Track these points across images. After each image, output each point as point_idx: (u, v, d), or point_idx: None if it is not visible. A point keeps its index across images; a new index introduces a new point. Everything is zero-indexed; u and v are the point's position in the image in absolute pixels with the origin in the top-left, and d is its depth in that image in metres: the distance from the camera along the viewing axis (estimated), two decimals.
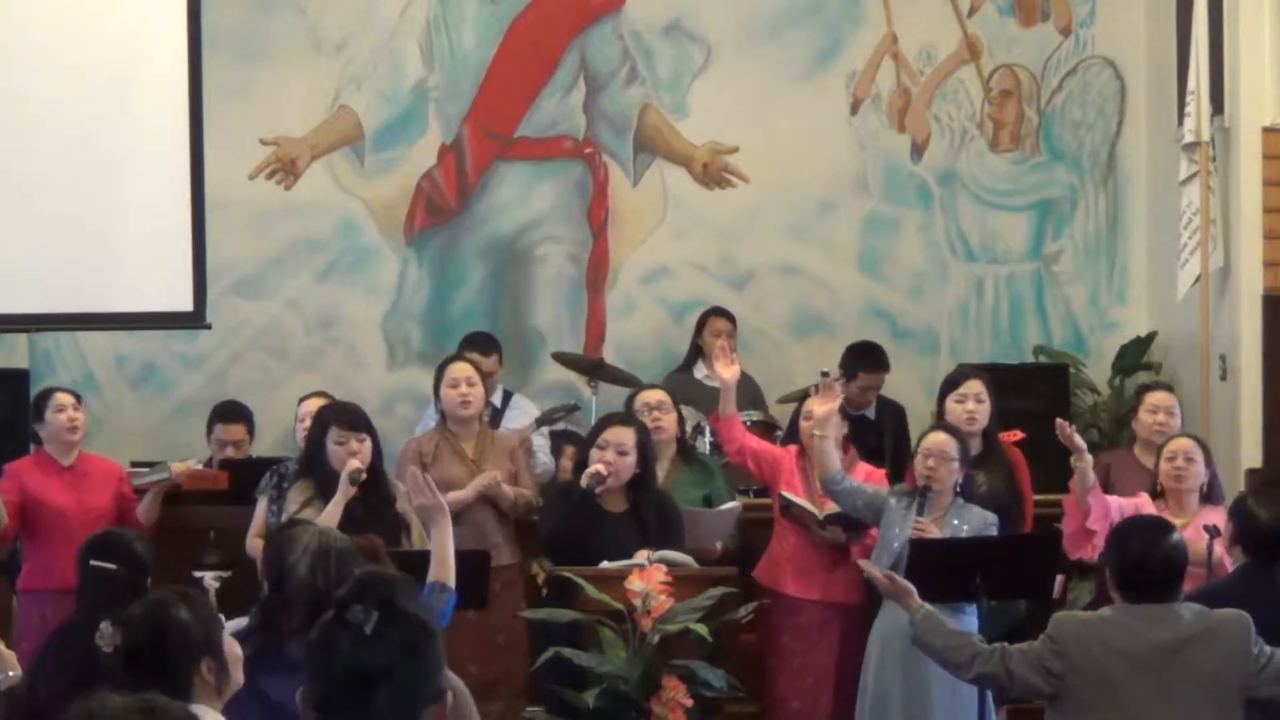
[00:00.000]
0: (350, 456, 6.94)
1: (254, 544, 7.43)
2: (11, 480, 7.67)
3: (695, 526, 7.34)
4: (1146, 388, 8.29)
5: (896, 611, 6.83)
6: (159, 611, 3.92)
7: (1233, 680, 5.08)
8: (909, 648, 6.76)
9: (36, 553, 7.48)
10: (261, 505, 7.49)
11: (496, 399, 8.88)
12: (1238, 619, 5.14)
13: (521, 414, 8.85)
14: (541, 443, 8.65)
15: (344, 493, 6.86)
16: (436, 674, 3.06)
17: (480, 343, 9.02)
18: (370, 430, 7.11)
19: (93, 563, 5.36)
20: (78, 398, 7.93)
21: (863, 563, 6.26)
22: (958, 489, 7.01)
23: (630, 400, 7.94)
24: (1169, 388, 8.37)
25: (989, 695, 6.85)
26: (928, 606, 5.47)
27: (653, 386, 8.22)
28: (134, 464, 8.15)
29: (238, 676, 3.96)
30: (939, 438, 7.05)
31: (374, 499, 6.98)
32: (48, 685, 5.22)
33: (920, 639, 5.42)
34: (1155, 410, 7.76)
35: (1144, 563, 5.11)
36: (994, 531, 7.01)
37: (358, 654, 2.99)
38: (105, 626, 3.92)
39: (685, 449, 7.86)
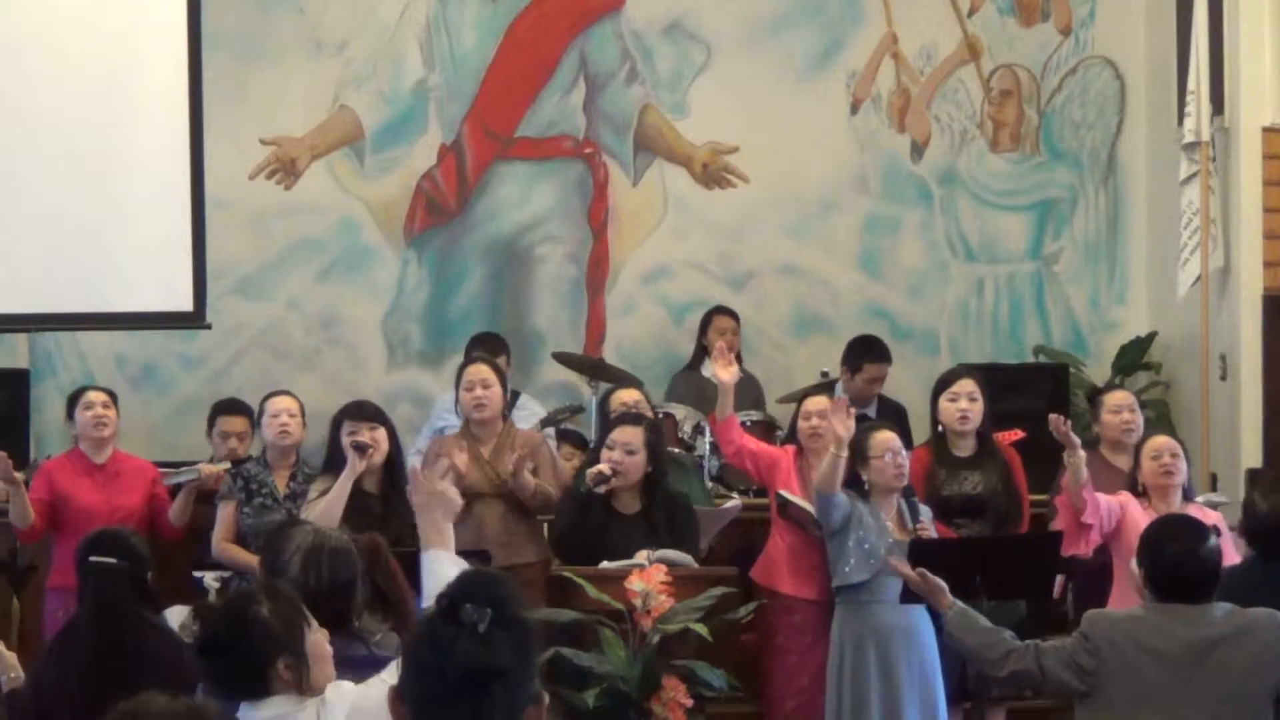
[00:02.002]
0: None
1: (221, 547, 7.43)
2: (43, 478, 7.71)
3: None
4: (1100, 391, 8.29)
5: (864, 611, 6.86)
6: (240, 605, 3.90)
7: (1264, 679, 5.06)
8: (879, 647, 6.79)
9: (64, 550, 7.46)
10: (229, 509, 7.48)
11: None
12: (1269, 618, 5.12)
13: (528, 414, 8.82)
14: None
15: (351, 468, 6.87)
16: (537, 675, 3.03)
17: (488, 343, 9.02)
18: (384, 421, 7.13)
19: (92, 559, 5.35)
20: (112, 396, 7.93)
21: (894, 560, 6.23)
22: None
23: (605, 400, 7.94)
24: (1123, 386, 8.37)
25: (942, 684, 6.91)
26: (960, 603, 5.47)
27: (629, 386, 8.19)
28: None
29: (328, 672, 3.94)
30: (890, 435, 7.08)
31: (389, 491, 6.99)
32: (51, 685, 5.23)
33: (954, 635, 5.42)
34: (1119, 410, 7.73)
35: (1183, 567, 5.10)
36: (932, 530, 7.03)
37: (474, 654, 2.94)
38: (187, 618, 3.88)
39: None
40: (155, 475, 7.84)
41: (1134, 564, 5.22)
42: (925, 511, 7.09)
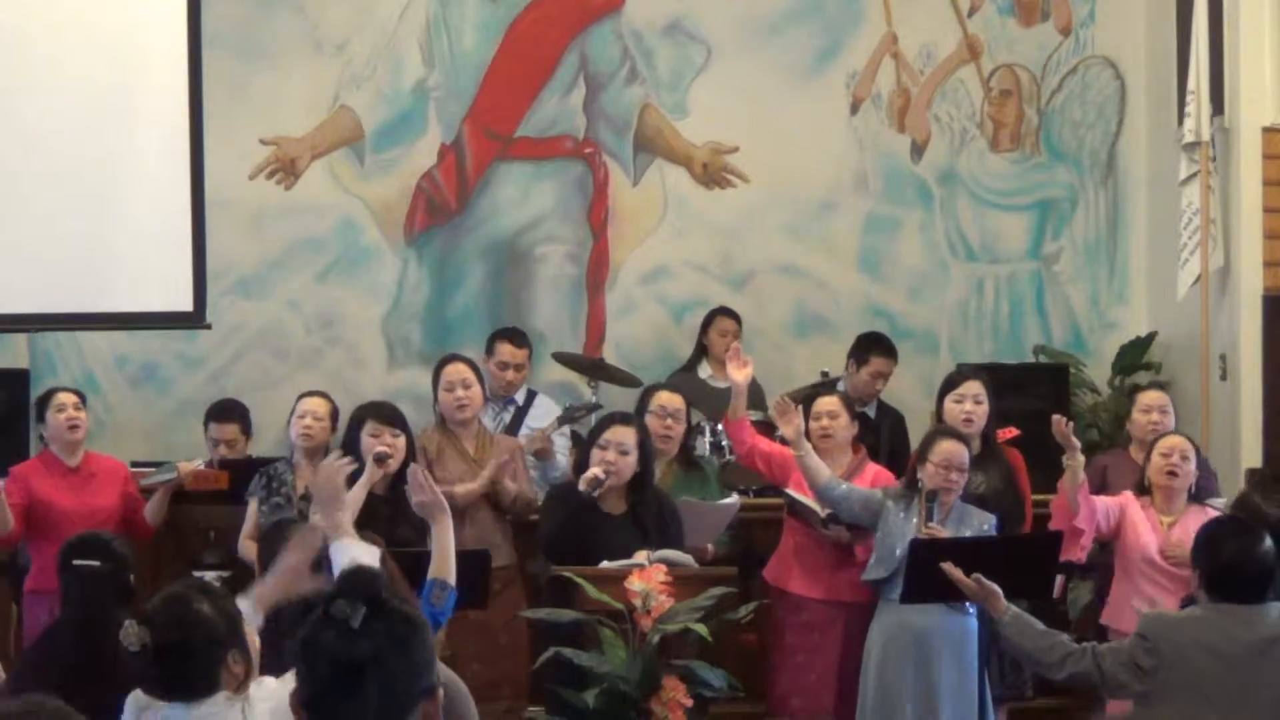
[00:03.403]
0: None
1: (246, 545, 7.45)
2: (17, 482, 7.66)
3: (690, 519, 7.32)
4: (1139, 388, 8.32)
5: (896, 611, 6.85)
6: (182, 606, 3.92)
7: None
8: (914, 645, 6.79)
9: (42, 554, 7.46)
10: (252, 506, 7.50)
11: (520, 397, 8.87)
12: None
13: (545, 414, 8.79)
14: (563, 443, 8.61)
15: (369, 476, 6.86)
16: (427, 670, 3.03)
17: (514, 336, 9.00)
18: (405, 428, 7.13)
19: (76, 562, 5.33)
20: (81, 397, 7.90)
21: (947, 566, 6.20)
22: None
23: (644, 397, 7.90)
24: (1161, 387, 8.38)
25: (988, 690, 6.88)
26: (1014, 608, 5.47)
27: (671, 389, 8.09)
28: (134, 464, 8.15)
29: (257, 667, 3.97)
30: (954, 447, 6.98)
31: (401, 495, 6.98)
32: (31, 688, 5.20)
33: (1009, 640, 5.44)
34: (1149, 410, 7.77)
35: (1238, 567, 5.12)
36: (992, 532, 7.02)
37: (344, 648, 2.97)
38: (130, 625, 3.90)
39: (686, 454, 7.84)
40: (128, 474, 7.84)
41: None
42: (988, 519, 7.05)
